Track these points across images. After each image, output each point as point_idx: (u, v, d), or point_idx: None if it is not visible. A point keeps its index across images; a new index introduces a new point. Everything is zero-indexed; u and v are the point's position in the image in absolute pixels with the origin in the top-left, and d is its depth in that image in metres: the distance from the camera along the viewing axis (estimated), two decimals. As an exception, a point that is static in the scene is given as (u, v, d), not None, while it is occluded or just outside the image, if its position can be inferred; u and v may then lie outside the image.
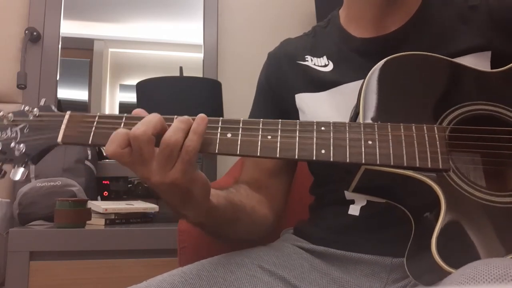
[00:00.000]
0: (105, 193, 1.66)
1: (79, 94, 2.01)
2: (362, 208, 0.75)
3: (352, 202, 0.77)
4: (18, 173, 0.63)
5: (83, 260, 1.29)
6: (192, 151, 0.57)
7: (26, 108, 0.65)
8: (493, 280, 0.41)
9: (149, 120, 0.57)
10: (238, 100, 1.87)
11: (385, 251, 0.71)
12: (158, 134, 0.57)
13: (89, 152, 1.66)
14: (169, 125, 0.58)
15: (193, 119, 0.59)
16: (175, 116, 0.60)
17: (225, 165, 1.82)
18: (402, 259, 0.61)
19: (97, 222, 1.42)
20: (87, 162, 1.63)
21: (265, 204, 0.82)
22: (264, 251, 0.78)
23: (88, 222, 1.39)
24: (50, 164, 1.54)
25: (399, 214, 0.65)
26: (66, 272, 1.28)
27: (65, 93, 1.91)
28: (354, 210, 0.76)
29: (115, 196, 1.66)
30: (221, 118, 0.62)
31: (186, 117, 0.59)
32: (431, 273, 0.53)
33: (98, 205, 1.44)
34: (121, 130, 0.57)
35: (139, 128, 0.56)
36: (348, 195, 0.77)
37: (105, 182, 1.67)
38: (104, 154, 1.83)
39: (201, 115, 0.59)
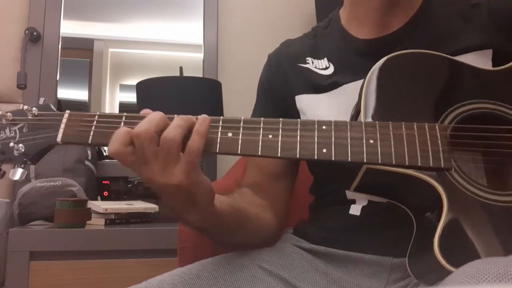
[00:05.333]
0: (105, 193, 1.66)
1: (79, 94, 2.01)
2: (363, 208, 0.75)
3: (353, 202, 0.76)
4: (17, 173, 0.63)
5: (83, 260, 1.30)
6: (194, 152, 0.56)
7: (25, 107, 0.64)
8: (493, 278, 0.41)
9: (152, 118, 0.57)
10: (238, 100, 1.87)
11: (386, 251, 0.71)
12: (162, 132, 0.57)
13: (89, 152, 1.66)
14: None
15: (197, 118, 0.59)
16: (175, 115, 0.59)
17: (225, 165, 1.82)
18: (402, 259, 0.61)
19: (97, 222, 1.42)
20: (87, 162, 1.63)
21: (268, 209, 0.82)
22: (264, 252, 0.78)
23: (88, 222, 1.39)
24: (50, 164, 1.54)
25: (400, 215, 0.65)
26: (66, 272, 1.28)
27: (65, 93, 1.91)
28: (355, 210, 0.76)
29: (115, 196, 1.66)
30: (222, 117, 0.61)
31: (187, 116, 0.59)
32: (433, 272, 0.53)
33: (98, 205, 1.44)
34: (123, 129, 0.57)
35: (142, 126, 0.56)
36: (349, 195, 0.77)
37: (105, 182, 1.67)
38: (105, 154, 1.83)
39: (204, 115, 0.59)
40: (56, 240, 1.29)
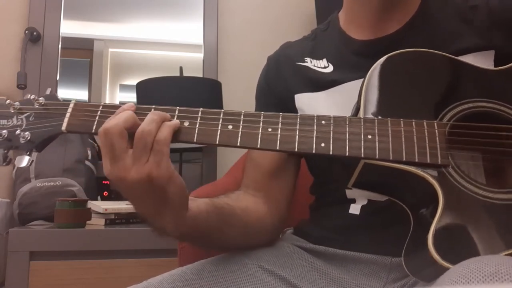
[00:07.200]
0: (105, 193, 1.66)
1: (79, 94, 2.02)
2: (363, 208, 0.75)
3: (353, 201, 0.76)
4: (23, 161, 0.64)
5: (83, 260, 1.30)
6: (162, 141, 0.57)
7: (32, 96, 0.66)
8: (485, 278, 0.41)
9: (121, 114, 0.58)
10: (238, 100, 1.87)
11: (385, 251, 0.71)
12: (131, 129, 0.57)
13: (89, 152, 1.66)
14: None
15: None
16: (153, 106, 0.61)
17: (225, 165, 1.82)
18: (401, 258, 0.61)
19: (97, 222, 1.42)
20: (87, 162, 1.63)
21: (262, 206, 0.81)
22: (264, 251, 0.77)
23: (88, 222, 1.39)
24: (50, 164, 1.54)
25: (399, 213, 0.65)
26: (66, 272, 1.28)
27: (65, 93, 1.91)
28: (355, 209, 0.76)
29: (115, 196, 1.66)
30: (222, 110, 0.62)
31: (162, 112, 0.60)
32: (429, 268, 0.53)
33: (98, 205, 1.44)
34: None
35: (110, 121, 0.57)
36: (349, 194, 0.77)
37: (105, 182, 1.67)
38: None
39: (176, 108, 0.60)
40: (56, 240, 1.29)
